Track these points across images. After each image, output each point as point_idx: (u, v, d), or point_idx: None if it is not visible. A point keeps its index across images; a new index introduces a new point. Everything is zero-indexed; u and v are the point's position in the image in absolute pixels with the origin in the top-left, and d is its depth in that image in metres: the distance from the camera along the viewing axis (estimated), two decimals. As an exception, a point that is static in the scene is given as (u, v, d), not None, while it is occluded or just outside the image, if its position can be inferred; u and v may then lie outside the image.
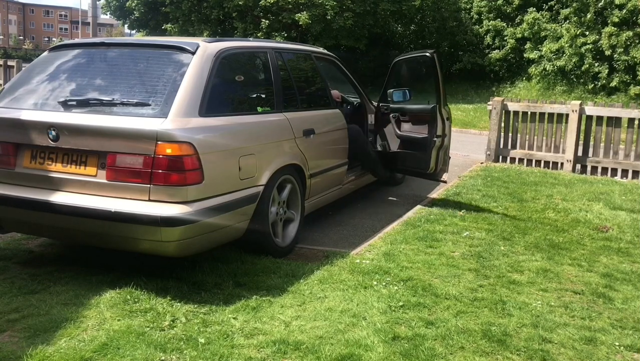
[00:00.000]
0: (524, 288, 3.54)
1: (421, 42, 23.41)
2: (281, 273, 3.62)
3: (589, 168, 7.65)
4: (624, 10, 16.64)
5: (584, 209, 5.51)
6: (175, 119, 3.23)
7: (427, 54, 5.26)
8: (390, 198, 6.18)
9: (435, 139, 5.21)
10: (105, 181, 3.27)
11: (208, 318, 2.99)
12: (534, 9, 19.72)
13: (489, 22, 20.96)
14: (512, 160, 8.22)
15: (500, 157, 8.33)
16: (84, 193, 3.32)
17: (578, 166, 7.73)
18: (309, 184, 4.40)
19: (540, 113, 8.00)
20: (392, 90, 5.64)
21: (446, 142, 5.38)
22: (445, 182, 5.84)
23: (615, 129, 7.49)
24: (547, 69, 18.72)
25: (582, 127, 7.72)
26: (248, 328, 2.88)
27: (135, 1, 25.55)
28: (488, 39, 21.04)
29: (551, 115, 7.90)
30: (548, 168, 7.88)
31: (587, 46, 17.45)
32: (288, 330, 2.86)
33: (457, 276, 3.69)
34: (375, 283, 3.48)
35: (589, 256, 4.20)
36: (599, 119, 7.58)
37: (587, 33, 17.60)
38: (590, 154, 7.71)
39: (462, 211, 5.28)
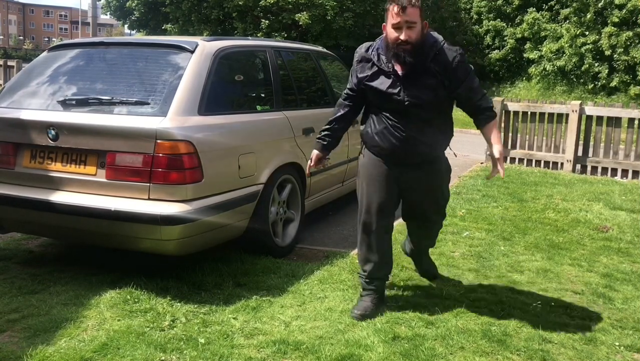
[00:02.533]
0: (524, 288, 3.53)
1: (421, 42, 23.37)
2: (281, 273, 3.61)
3: (589, 168, 7.65)
4: (624, 10, 16.66)
5: (584, 209, 5.51)
6: (175, 118, 3.23)
7: None
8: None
9: None
10: (104, 180, 3.27)
11: (208, 318, 2.98)
12: (534, 9, 19.73)
13: (488, 22, 20.97)
14: (512, 160, 8.22)
15: (500, 157, 8.32)
16: (83, 192, 3.32)
17: (578, 166, 7.73)
18: (309, 182, 4.39)
19: (540, 113, 8.01)
20: None
21: None
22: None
23: (615, 129, 7.49)
24: (547, 69, 18.72)
25: (582, 127, 7.72)
26: (248, 328, 2.88)
27: (135, 1, 25.55)
28: (488, 39, 21.05)
29: (551, 115, 7.90)
30: (548, 168, 7.87)
31: (587, 46, 17.46)
32: (288, 330, 2.85)
33: (457, 276, 3.69)
34: (375, 282, 3.47)
35: (589, 256, 4.19)
36: (599, 119, 7.58)
37: (587, 33, 17.60)
38: (590, 154, 7.71)
39: (462, 211, 5.28)
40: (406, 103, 2.89)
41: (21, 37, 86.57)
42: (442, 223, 3.42)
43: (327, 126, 3.18)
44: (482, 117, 3.06)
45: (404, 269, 3.72)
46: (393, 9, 2.80)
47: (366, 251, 3.16)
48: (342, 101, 3.17)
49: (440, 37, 2.96)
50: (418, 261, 3.61)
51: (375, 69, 2.97)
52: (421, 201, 3.18)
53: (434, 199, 3.20)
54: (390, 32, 2.87)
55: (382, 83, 2.94)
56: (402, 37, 2.80)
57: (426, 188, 3.12)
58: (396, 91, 2.90)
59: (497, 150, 2.95)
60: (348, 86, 3.14)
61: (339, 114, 3.16)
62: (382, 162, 3.04)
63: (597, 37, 17.29)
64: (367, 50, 3.02)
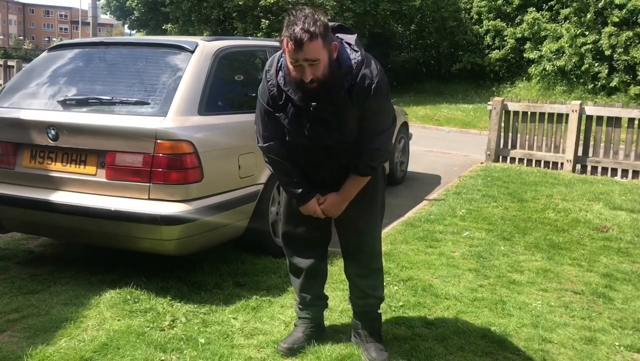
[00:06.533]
0: (524, 288, 3.53)
1: (421, 42, 23.40)
2: (281, 273, 3.61)
3: (589, 168, 7.64)
4: (624, 10, 16.66)
5: (584, 209, 5.50)
6: (175, 118, 3.23)
7: None
8: (390, 198, 6.17)
9: None
10: (104, 180, 3.27)
11: (208, 318, 2.98)
12: (534, 9, 19.71)
13: (488, 22, 20.95)
14: (512, 160, 8.22)
15: (500, 157, 8.33)
16: (83, 192, 3.32)
17: (578, 166, 7.73)
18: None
19: (540, 113, 8.00)
20: None
21: None
22: None
23: (615, 129, 7.48)
24: (547, 69, 18.71)
25: (582, 127, 7.71)
26: (248, 328, 2.88)
27: (135, 1, 25.53)
28: (488, 39, 21.03)
29: (551, 115, 7.89)
30: (548, 168, 7.87)
31: (587, 46, 17.45)
32: (288, 330, 2.85)
33: (457, 276, 3.69)
34: (375, 282, 3.47)
35: (589, 256, 4.19)
36: (599, 119, 7.58)
37: (587, 33, 17.60)
38: (590, 154, 7.71)
39: (462, 211, 5.28)
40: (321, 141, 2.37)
41: (21, 37, 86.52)
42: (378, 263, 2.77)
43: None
44: (360, 166, 2.42)
45: (403, 269, 3.72)
46: (287, 44, 2.16)
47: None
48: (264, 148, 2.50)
49: (356, 58, 2.33)
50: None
51: (283, 97, 2.36)
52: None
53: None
54: (290, 68, 2.25)
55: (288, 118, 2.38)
56: (306, 78, 2.20)
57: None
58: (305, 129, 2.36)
59: (328, 202, 2.52)
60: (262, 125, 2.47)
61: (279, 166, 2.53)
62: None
63: (597, 37, 17.28)
64: (275, 69, 2.37)
